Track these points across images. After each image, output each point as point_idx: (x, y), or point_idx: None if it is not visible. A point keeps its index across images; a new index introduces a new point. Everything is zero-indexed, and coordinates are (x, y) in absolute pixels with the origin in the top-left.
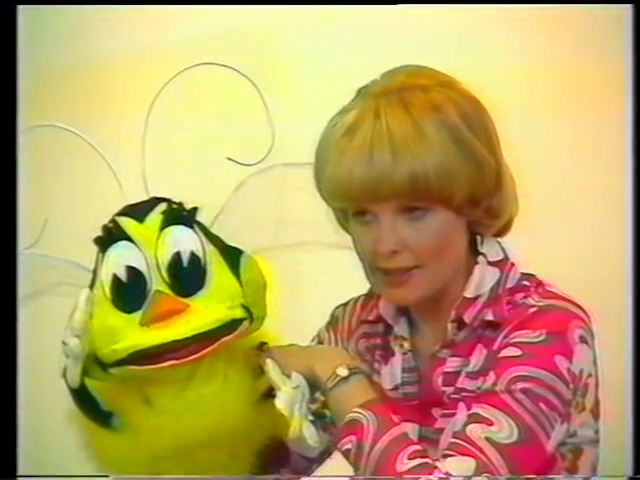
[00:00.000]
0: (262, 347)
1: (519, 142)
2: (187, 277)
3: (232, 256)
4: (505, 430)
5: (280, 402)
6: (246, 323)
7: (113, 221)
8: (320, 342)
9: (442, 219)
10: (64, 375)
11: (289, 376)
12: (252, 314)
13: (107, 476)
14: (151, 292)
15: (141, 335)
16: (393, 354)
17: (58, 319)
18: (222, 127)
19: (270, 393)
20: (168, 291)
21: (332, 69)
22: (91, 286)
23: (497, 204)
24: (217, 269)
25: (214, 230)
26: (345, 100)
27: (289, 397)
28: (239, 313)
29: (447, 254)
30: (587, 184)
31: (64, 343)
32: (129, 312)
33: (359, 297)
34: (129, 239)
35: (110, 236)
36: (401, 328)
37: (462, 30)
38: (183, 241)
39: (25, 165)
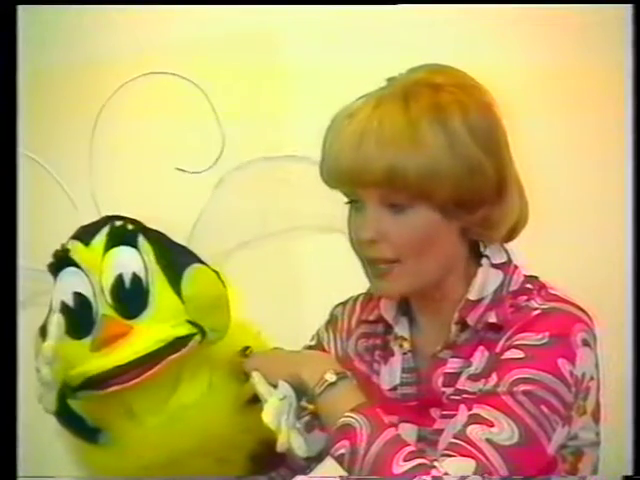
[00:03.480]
0: (246, 352)
1: (518, 142)
2: (130, 299)
3: (175, 272)
4: (506, 432)
5: (267, 415)
6: (197, 337)
7: (62, 246)
8: (319, 341)
9: (424, 217)
10: (40, 401)
11: (275, 385)
12: (202, 328)
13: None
14: (98, 317)
15: (91, 361)
16: (392, 354)
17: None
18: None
19: (257, 398)
20: (114, 314)
21: (332, 69)
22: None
23: (497, 214)
24: (159, 288)
25: (197, 231)
26: (347, 99)
27: (276, 409)
28: (184, 330)
29: (429, 253)
30: (587, 184)
31: (37, 370)
32: (80, 338)
33: (359, 296)
34: (76, 264)
35: (59, 262)
36: (401, 328)
37: (462, 30)
38: (125, 263)
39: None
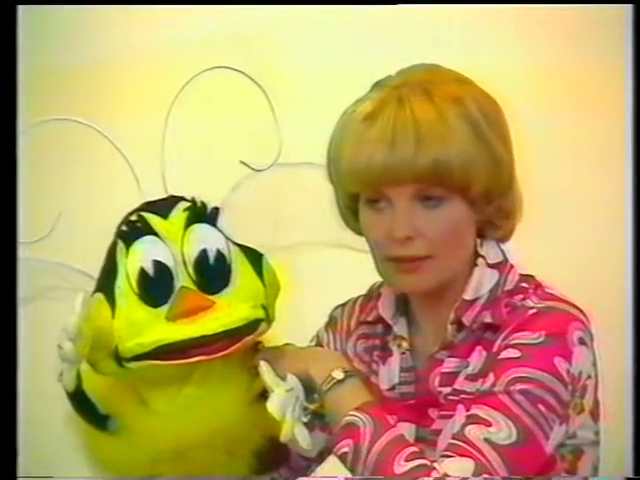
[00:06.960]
0: (257, 347)
1: (518, 141)
2: (213, 275)
3: (254, 257)
4: (504, 431)
5: (272, 405)
6: (264, 324)
7: (139, 215)
8: (319, 342)
9: (457, 210)
10: (60, 379)
11: (284, 378)
12: (269, 315)
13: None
14: (177, 288)
15: (168, 329)
16: (391, 354)
17: (56, 323)
18: (230, 130)
19: (266, 393)
20: (194, 287)
21: (333, 70)
22: (104, 284)
23: (508, 204)
24: (241, 268)
25: None
26: (348, 100)
27: (281, 400)
28: (261, 313)
29: (458, 247)
30: (587, 184)
31: (59, 347)
32: (155, 306)
33: (358, 298)
34: (155, 234)
35: (135, 230)
36: (400, 328)
37: (462, 30)
38: (209, 239)
39: (25, 166)
